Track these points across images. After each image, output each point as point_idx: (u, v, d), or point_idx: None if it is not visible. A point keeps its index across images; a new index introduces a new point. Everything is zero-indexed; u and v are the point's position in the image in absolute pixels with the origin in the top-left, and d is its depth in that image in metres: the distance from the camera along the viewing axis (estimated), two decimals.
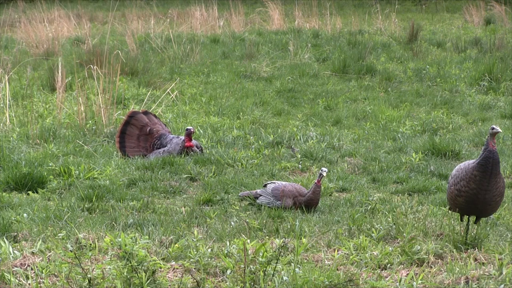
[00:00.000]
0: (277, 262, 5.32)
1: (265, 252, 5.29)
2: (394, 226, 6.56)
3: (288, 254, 5.83)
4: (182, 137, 9.43)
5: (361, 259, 5.96)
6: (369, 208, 7.43)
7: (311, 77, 14.98)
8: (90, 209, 7.43)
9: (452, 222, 6.61)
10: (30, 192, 8.06)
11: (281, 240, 5.44)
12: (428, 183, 8.39)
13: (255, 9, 24.16)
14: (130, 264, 5.17)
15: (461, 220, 6.39)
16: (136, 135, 9.62)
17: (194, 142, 9.46)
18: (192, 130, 9.37)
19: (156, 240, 6.35)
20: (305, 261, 5.90)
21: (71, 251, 5.35)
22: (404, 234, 6.30)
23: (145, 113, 9.78)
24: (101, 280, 5.27)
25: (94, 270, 5.45)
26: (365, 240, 6.25)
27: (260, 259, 5.26)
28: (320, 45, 18.09)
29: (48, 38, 17.49)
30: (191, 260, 5.78)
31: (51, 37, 17.60)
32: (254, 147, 9.86)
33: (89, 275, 5.29)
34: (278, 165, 9.08)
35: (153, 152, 9.50)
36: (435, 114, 11.91)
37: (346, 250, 6.15)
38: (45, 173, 8.36)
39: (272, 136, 10.30)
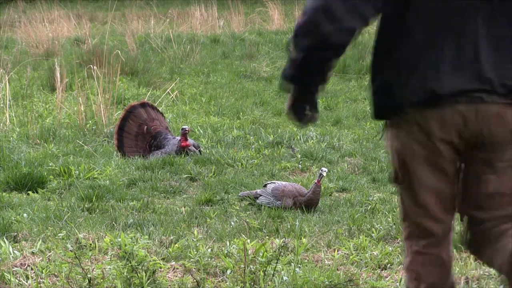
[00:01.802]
0: (277, 262, 5.31)
1: (265, 252, 5.29)
2: (394, 226, 6.56)
3: (288, 254, 5.82)
4: (179, 138, 9.40)
5: (361, 259, 5.95)
6: (369, 208, 7.42)
7: None
8: (90, 209, 7.42)
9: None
10: (30, 192, 8.05)
11: (281, 240, 5.44)
12: None
13: (255, 9, 24.16)
14: (130, 264, 5.17)
15: (461, 220, 6.37)
16: (135, 133, 9.57)
17: (191, 141, 9.42)
18: (187, 129, 9.33)
19: (156, 240, 6.34)
20: (305, 261, 5.90)
21: (71, 251, 5.34)
22: None
23: (143, 105, 9.70)
24: (101, 280, 5.27)
25: (94, 270, 5.44)
26: (365, 240, 6.24)
27: (260, 259, 5.25)
28: None
29: (48, 38, 17.49)
30: (191, 260, 5.77)
31: (51, 37, 17.59)
32: (254, 147, 9.85)
33: (89, 275, 5.29)
34: (278, 165, 9.06)
35: (151, 154, 9.46)
36: None
37: (346, 250, 6.14)
38: (45, 173, 8.34)
39: (272, 136, 10.29)
